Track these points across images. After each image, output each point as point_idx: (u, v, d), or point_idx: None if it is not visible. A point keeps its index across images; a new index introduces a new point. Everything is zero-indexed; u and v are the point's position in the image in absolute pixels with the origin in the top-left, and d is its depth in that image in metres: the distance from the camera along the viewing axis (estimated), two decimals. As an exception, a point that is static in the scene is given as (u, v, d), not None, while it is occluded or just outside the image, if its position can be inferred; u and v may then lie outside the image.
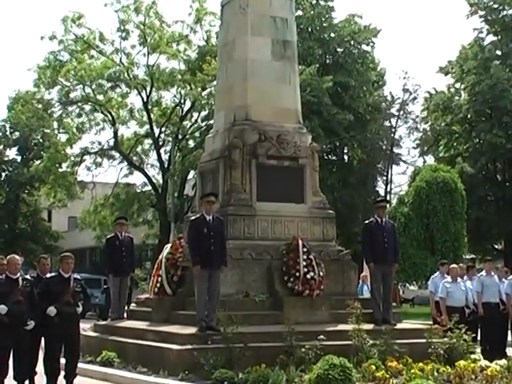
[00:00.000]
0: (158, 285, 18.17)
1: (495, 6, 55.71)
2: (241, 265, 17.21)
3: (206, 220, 15.96)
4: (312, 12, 52.05)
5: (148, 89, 53.33)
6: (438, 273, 21.57)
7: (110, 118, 54.36)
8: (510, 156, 52.49)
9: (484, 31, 56.84)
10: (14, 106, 58.79)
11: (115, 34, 53.79)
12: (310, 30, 51.55)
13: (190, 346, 14.88)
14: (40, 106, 56.64)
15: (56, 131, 58.42)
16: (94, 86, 53.35)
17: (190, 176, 52.14)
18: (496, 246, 54.63)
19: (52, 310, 13.59)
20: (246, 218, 17.97)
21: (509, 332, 20.57)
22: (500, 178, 55.67)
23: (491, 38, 56.73)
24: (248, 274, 17.28)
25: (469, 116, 54.68)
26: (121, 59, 53.96)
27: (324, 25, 52.81)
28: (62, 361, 14.17)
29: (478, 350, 17.36)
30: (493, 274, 20.75)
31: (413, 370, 12.80)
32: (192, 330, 15.62)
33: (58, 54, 54.04)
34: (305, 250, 17.20)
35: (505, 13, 55.76)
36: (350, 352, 13.78)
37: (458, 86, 57.86)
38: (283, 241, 17.61)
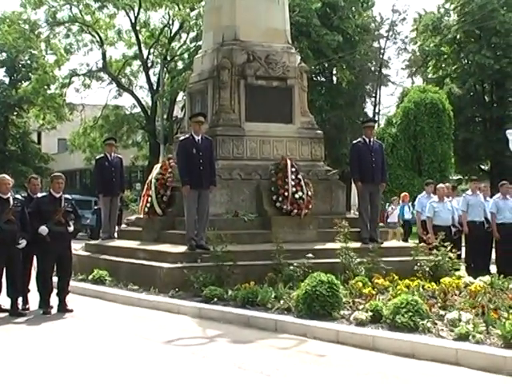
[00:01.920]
0: (148, 205, 18.17)
1: None
2: (230, 185, 17.23)
3: (195, 140, 15.93)
4: None
5: (136, 9, 53.01)
6: (424, 193, 21.68)
7: (98, 39, 54.19)
8: (498, 77, 52.49)
9: None
10: (1, 27, 58.22)
11: None
12: None
13: (180, 264, 15.01)
14: (27, 26, 56.29)
15: (43, 52, 58.04)
16: (81, 7, 53.12)
17: (179, 97, 52.00)
18: (482, 167, 54.85)
19: (44, 229, 13.65)
20: (234, 138, 17.93)
21: (492, 250, 20.76)
22: (488, 99, 55.71)
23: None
24: (237, 193, 17.30)
25: (458, 37, 54.57)
26: (109, -23, 53.25)
27: None
28: (55, 279, 14.26)
29: (463, 267, 17.52)
30: (478, 193, 20.87)
31: (399, 287, 12.91)
32: (182, 248, 15.72)
33: (43, -29, 53.35)
34: (293, 169, 17.21)
35: None
36: (338, 269, 13.89)
37: (447, 6, 57.65)
38: (272, 161, 17.62)
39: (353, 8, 52.13)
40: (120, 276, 16.38)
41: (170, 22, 54.34)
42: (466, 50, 53.94)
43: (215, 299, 13.55)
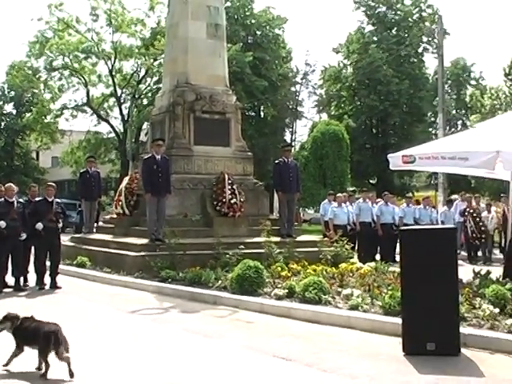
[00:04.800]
0: (120, 207, 18.11)
1: (373, 4, 56.42)
2: (181, 193, 17.13)
3: (156, 159, 15.86)
4: (238, 3, 51.75)
5: (112, 59, 53.17)
6: (326, 200, 21.80)
7: (84, 81, 54.19)
8: (382, 115, 53.27)
9: (365, 22, 57.48)
10: (11, 72, 58.15)
11: (88, 17, 53.99)
12: (235, 16, 51.12)
13: (142, 253, 14.95)
14: (30, 72, 56.32)
15: (42, 91, 57.76)
16: (71, 57, 53.38)
17: (144, 126, 51.81)
18: (371, 181, 55.37)
19: (39, 225, 13.70)
20: (185, 157, 17.85)
21: (377, 243, 20.96)
22: (375, 131, 56.37)
23: (370, 27, 57.31)
24: (186, 199, 17.21)
25: (353, 84, 55.11)
26: (92, 36, 53.51)
27: (246, 13, 52.58)
28: (48, 263, 14.23)
29: (356, 256, 17.66)
30: (367, 200, 21.08)
31: (308, 270, 12.92)
32: (144, 241, 15.61)
33: (44, 32, 53.68)
34: (230, 181, 17.21)
35: (380, 10, 56.55)
36: (262, 258, 13.85)
37: (345, 61, 58.17)
38: (213, 175, 17.56)
39: (276, 61, 52.36)
40: (97, 261, 16.30)
41: (139, 69, 54.72)
42: (359, 95, 54.47)
43: (169, 279, 13.54)
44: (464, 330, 8.14)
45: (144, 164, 16.21)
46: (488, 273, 12.26)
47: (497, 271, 12.89)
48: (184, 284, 13.09)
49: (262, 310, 10.74)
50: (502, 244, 20.90)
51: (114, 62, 53.32)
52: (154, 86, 51.60)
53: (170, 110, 18.25)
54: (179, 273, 13.66)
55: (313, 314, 9.96)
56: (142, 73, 54.49)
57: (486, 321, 8.65)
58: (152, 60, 51.31)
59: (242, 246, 14.49)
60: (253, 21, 52.55)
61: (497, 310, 8.93)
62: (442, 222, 21.50)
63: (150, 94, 52.56)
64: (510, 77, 44.49)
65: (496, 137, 12.08)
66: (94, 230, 19.72)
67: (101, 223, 21.45)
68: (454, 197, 27.22)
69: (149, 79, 54.62)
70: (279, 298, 11.08)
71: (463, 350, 7.70)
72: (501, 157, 11.27)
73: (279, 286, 11.77)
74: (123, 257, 15.34)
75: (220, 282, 12.64)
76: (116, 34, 53.13)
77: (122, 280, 14.31)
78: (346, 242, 15.73)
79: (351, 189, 29.05)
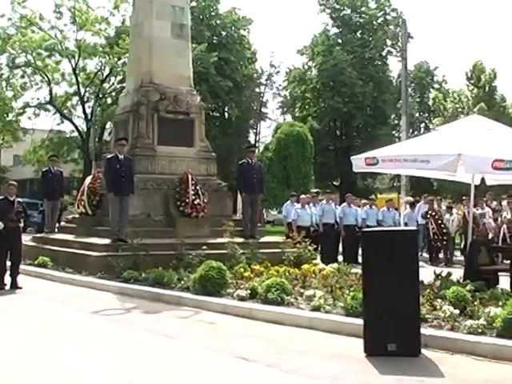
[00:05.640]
0: (82, 207, 17.98)
1: (338, 6, 56.76)
2: (144, 193, 17.05)
3: (119, 158, 15.83)
4: (203, 3, 51.68)
5: (76, 58, 52.51)
6: (289, 201, 21.84)
7: (47, 80, 53.55)
8: (346, 117, 53.60)
9: (330, 25, 57.93)
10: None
11: (51, 14, 53.05)
12: (201, 17, 51.06)
13: (105, 253, 14.85)
14: (-9, 69, 55.03)
15: (4, 88, 56.88)
16: (34, 54, 52.42)
17: (108, 125, 51.49)
18: (334, 183, 55.63)
19: (0, 225, 13.46)
20: (149, 157, 17.78)
21: (340, 244, 21.09)
22: (338, 133, 56.68)
23: (335, 30, 57.68)
24: (150, 200, 17.13)
25: (317, 86, 55.35)
26: (55, 34, 52.69)
27: (212, 13, 52.53)
28: (8, 263, 13.99)
29: (318, 257, 17.72)
30: (330, 202, 21.18)
31: (271, 271, 12.94)
32: (107, 241, 15.53)
33: (6, 29, 52.48)
34: (193, 182, 17.17)
35: (344, 12, 56.91)
36: (225, 258, 13.83)
37: (310, 64, 58.42)
38: (177, 175, 17.50)
39: (240, 62, 52.34)
40: (59, 262, 16.13)
41: (103, 67, 54.20)
42: (323, 97, 54.71)
43: (132, 280, 13.47)
44: (425, 330, 8.21)
45: (107, 163, 16.13)
46: (449, 274, 12.39)
47: (458, 273, 13.05)
48: (146, 284, 13.03)
49: (224, 311, 10.72)
50: (463, 246, 21.13)
51: (78, 61, 52.78)
52: (118, 86, 51.19)
53: (134, 109, 18.17)
54: (142, 273, 13.61)
55: (275, 315, 9.97)
56: (106, 72, 54.08)
57: (447, 322, 8.73)
58: (116, 59, 50.98)
59: (205, 247, 14.48)
60: (218, 21, 52.51)
61: (457, 311, 9.02)
62: (405, 224, 21.68)
63: (113, 94, 52.16)
64: (472, 81, 44.94)
65: (458, 140, 12.25)
66: (56, 230, 19.51)
67: (63, 223, 21.26)
68: (407, 199, 27.56)
69: (113, 78, 54.22)
70: (242, 298, 11.08)
71: (424, 351, 7.76)
72: (462, 160, 11.43)
73: (242, 286, 11.75)
74: (85, 257, 15.22)
75: (183, 282, 12.61)
76: (80, 32, 52.58)
77: (84, 280, 14.19)
78: (308, 243, 15.81)
79: (314, 190, 29.12)
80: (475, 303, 9.41)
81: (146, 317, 10.54)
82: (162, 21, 18.79)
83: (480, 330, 8.22)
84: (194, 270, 12.95)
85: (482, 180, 14.42)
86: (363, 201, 23.29)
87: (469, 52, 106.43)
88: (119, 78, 51.62)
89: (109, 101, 53.84)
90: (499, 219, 20.33)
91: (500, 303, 9.38)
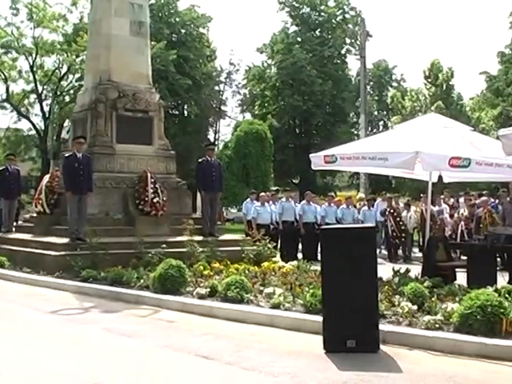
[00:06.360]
0: (40, 206, 17.79)
1: (297, 5, 56.98)
2: (103, 191, 16.93)
3: (77, 157, 15.70)
4: (162, 1, 51.51)
5: (34, 55, 51.83)
6: (248, 199, 21.87)
7: (3, 77, 52.77)
8: (305, 115, 53.86)
9: (289, 23, 58.04)
10: None
11: (8, 11, 52.60)
12: (160, 14, 50.92)
13: (63, 252, 14.71)
14: None
15: (-41, 86, 56.16)
16: (-11, 51, 51.64)
17: (66, 123, 50.97)
18: (294, 181, 55.83)
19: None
20: (107, 156, 17.65)
21: (299, 242, 21.16)
22: (298, 131, 56.96)
23: (294, 28, 57.89)
24: (108, 198, 17.02)
25: (277, 84, 55.51)
26: (12, 31, 51.92)
27: (171, 11, 52.44)
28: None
29: (278, 255, 17.77)
30: (290, 200, 21.25)
31: (230, 269, 12.95)
32: (65, 240, 15.38)
33: (-39, 26, 51.62)
34: (152, 180, 17.10)
35: (304, 11, 57.13)
36: (185, 256, 13.79)
37: (269, 62, 58.54)
38: (136, 173, 17.41)
39: (200, 60, 52.30)
40: (17, 261, 15.92)
41: (60, 65, 53.51)
42: (282, 95, 54.90)
43: (91, 279, 13.36)
44: (383, 327, 8.28)
45: (65, 162, 15.99)
46: (407, 271, 12.52)
47: (416, 269, 13.20)
48: (105, 284, 12.94)
49: (184, 310, 10.69)
50: (421, 243, 21.37)
51: (35, 58, 52.12)
52: (76, 83, 50.70)
53: (92, 107, 18.01)
54: (101, 272, 13.51)
55: (235, 313, 9.97)
56: (64, 69, 53.43)
57: (405, 318, 8.82)
58: (74, 56, 50.39)
59: (165, 245, 14.46)
60: (177, 19, 52.39)
61: (415, 307, 9.12)
62: (363, 222, 21.86)
63: (71, 91, 51.67)
64: (429, 80, 45.46)
65: (415, 138, 12.37)
66: (14, 229, 19.30)
67: (20, 222, 21.01)
68: (360, 195, 27.85)
69: (71, 76, 53.63)
70: (201, 297, 11.06)
71: (382, 347, 7.83)
72: (420, 157, 11.53)
73: (201, 285, 11.74)
74: (43, 256, 15.05)
75: (142, 281, 12.54)
76: (37, 29, 51.86)
77: (42, 280, 14.04)
78: (268, 240, 15.85)
79: (274, 188, 29.20)
80: (433, 299, 9.53)
81: (105, 316, 10.46)
82: (121, 18, 18.66)
83: (437, 326, 8.32)
84: (153, 268, 12.89)
85: (440, 177, 14.58)
86: (337, 198, 23.62)
87: (427, 51, 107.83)
88: (77, 75, 51.09)
89: (67, 99, 53.37)
90: (455, 215, 20.62)
91: (457, 299, 9.51)
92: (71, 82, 53.87)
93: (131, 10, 18.86)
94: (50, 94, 54.40)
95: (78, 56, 49.86)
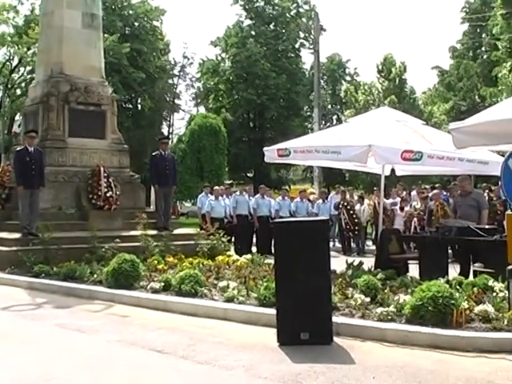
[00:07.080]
0: (-10, 201, 17.56)
1: (251, -2, 57.06)
2: (55, 186, 16.77)
3: (29, 151, 15.51)
4: (115, -7, 51.19)
5: (-17, 47, 51.00)
6: (203, 193, 21.87)
7: (-48, 69, 51.87)
8: (259, 109, 54.03)
9: (243, 16, 57.98)
10: None
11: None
12: (113, 7, 50.50)
13: (15, 248, 14.57)
14: None
15: None
16: None
17: (17, 117, 50.30)
18: (248, 174, 55.92)
19: None
20: (59, 149, 17.50)
21: (253, 236, 21.23)
22: (252, 124, 57.06)
23: (248, 21, 57.86)
24: (61, 192, 16.88)
25: (231, 78, 55.50)
26: (-40, 22, 50.93)
27: (124, 3, 52.07)
28: None
29: (232, 248, 17.80)
30: (244, 193, 21.31)
31: (184, 264, 12.93)
32: (17, 235, 15.20)
33: None
34: (105, 174, 17.03)
35: (258, 4, 57.20)
36: (139, 251, 13.74)
37: (223, 55, 58.48)
38: (89, 168, 17.31)
39: (153, 53, 52.04)
40: (-34, 257, 15.66)
41: (11, 57, 52.74)
42: (236, 88, 54.93)
43: (43, 274, 13.25)
44: (336, 319, 8.34)
45: (16, 156, 15.79)
46: (360, 263, 12.64)
47: (369, 262, 13.32)
48: (58, 279, 12.83)
49: (138, 304, 10.65)
50: (374, 236, 21.58)
51: (-15, 50, 51.42)
52: (28, 76, 50.06)
53: (44, 100, 17.84)
54: (53, 267, 13.41)
55: (189, 307, 9.96)
56: (15, 62, 52.67)
57: (358, 310, 8.90)
58: (25, 49, 49.68)
59: (118, 240, 14.43)
60: (130, 11, 52.01)
61: (368, 300, 9.20)
62: (317, 215, 21.99)
63: (23, 84, 50.98)
64: (382, 74, 45.79)
65: (368, 131, 12.49)
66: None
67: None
68: (311, 190, 28.08)
69: (22, 69, 52.88)
70: (155, 291, 11.03)
71: (336, 339, 7.89)
72: (372, 151, 11.65)
73: (155, 279, 11.69)
74: (-6, 252, 14.85)
75: (95, 276, 12.46)
76: (-14, 20, 51.12)
77: (-8, 276, 13.86)
78: (222, 234, 15.87)
79: (228, 182, 29.26)
80: (385, 291, 9.63)
81: (58, 312, 10.37)
82: (73, 10, 18.49)
83: (390, 317, 8.41)
84: (106, 263, 12.82)
85: (392, 171, 14.75)
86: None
87: (380, 45, 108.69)
88: (29, 68, 50.42)
89: (18, 92, 52.62)
90: (406, 209, 20.85)
91: (409, 291, 9.62)
92: (22, 74, 53.14)
93: (83, 2, 18.71)
94: (1, 87, 53.53)
95: (29, 48, 49.18)
